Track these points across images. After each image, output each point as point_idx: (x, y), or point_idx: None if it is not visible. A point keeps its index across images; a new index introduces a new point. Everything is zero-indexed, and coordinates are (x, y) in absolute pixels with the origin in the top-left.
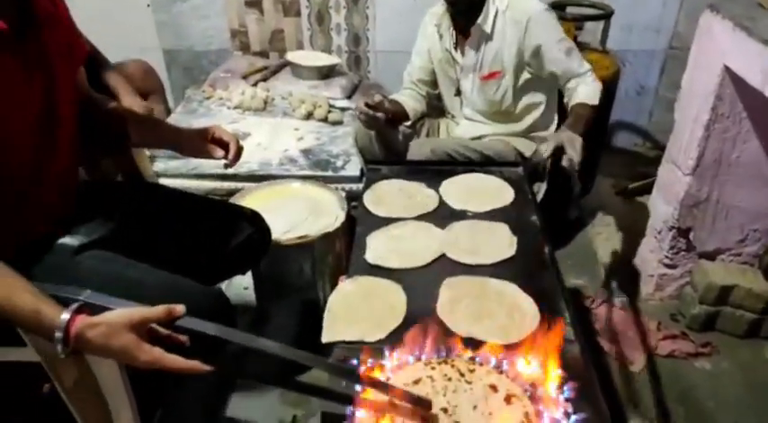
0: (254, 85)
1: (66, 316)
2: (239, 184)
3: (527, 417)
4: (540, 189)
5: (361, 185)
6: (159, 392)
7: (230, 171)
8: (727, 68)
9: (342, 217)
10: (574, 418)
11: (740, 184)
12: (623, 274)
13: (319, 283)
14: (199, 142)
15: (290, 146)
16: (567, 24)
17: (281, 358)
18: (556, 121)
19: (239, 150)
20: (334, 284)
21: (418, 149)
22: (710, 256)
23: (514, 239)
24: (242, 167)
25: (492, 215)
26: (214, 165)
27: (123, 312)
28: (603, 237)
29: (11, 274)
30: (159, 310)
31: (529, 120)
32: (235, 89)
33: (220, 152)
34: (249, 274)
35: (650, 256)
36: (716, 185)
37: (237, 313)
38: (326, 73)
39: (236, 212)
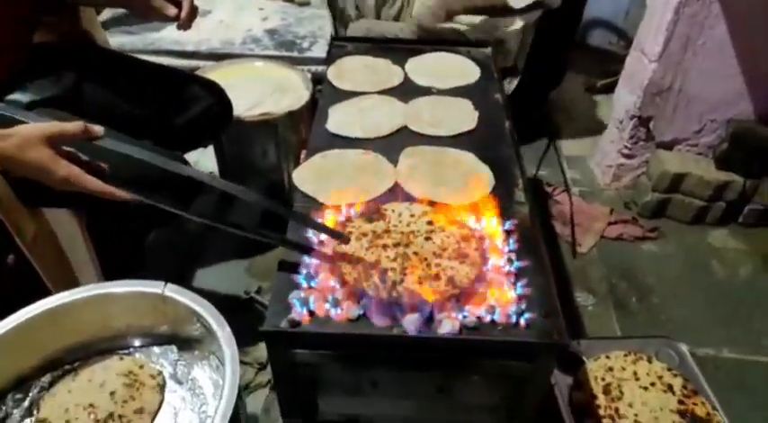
0: None
1: None
2: (199, 63)
3: (475, 263)
4: (512, 83)
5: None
6: (125, 256)
7: (190, 48)
8: None
9: (306, 96)
10: (516, 264)
11: (703, 72)
12: (584, 165)
13: (283, 166)
14: None
15: (254, 25)
16: None
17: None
18: None
19: (194, 10)
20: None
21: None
22: (668, 146)
23: (476, 114)
24: (202, 45)
25: (456, 92)
26: (171, 41)
27: (37, 125)
28: (568, 131)
29: None
30: (75, 125)
31: None
32: None
33: (173, 10)
34: (213, 158)
35: (610, 147)
36: (680, 73)
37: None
38: None
39: (196, 81)
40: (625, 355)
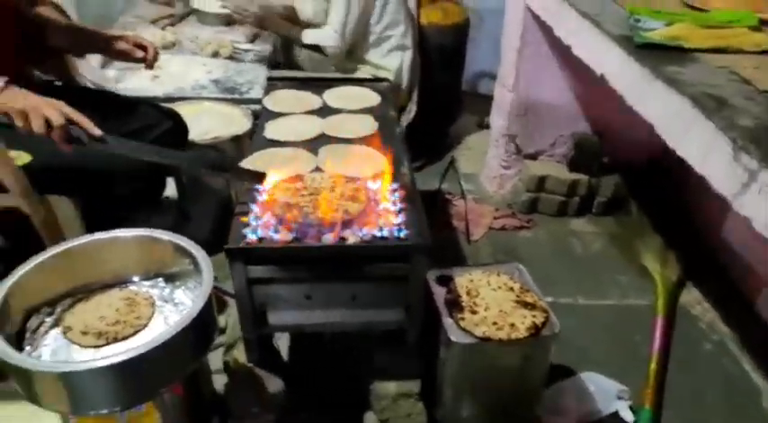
0: (163, 28)
1: None
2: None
3: (363, 202)
4: (411, 111)
5: None
6: None
7: (149, 94)
8: (527, 6)
9: (248, 125)
10: (399, 206)
11: (546, 99)
12: (477, 180)
13: (231, 186)
14: (123, 44)
15: (201, 77)
16: None
17: None
18: None
19: (156, 54)
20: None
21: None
22: (533, 157)
23: (376, 124)
24: (158, 92)
25: (361, 111)
26: (132, 87)
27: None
28: (465, 156)
29: None
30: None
31: None
32: (144, 32)
33: (140, 53)
34: (172, 181)
35: (493, 162)
36: (530, 100)
37: (161, 214)
38: (230, 20)
39: (159, 109)
40: (482, 273)
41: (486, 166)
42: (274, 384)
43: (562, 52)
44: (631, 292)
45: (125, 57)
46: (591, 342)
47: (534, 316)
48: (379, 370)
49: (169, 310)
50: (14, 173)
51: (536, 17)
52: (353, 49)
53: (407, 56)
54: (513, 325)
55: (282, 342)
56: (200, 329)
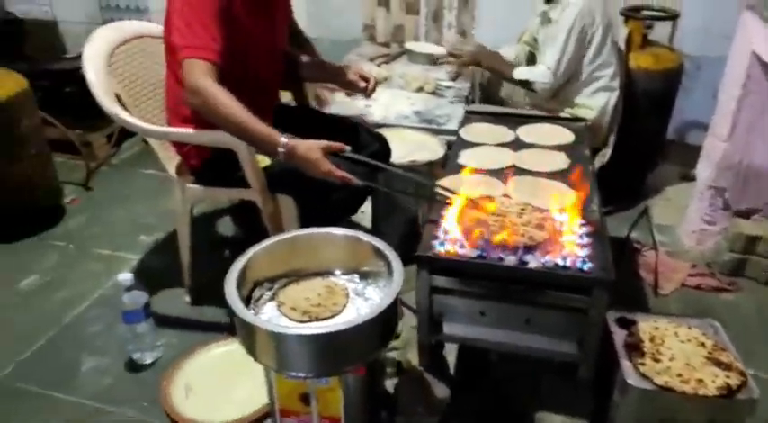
0: (379, 65)
1: (286, 139)
2: None
3: (549, 231)
4: (606, 154)
5: None
6: None
7: (359, 120)
8: (753, 52)
9: (441, 152)
10: (585, 239)
11: (767, 151)
12: (673, 232)
13: (419, 205)
14: (351, 75)
15: (405, 108)
16: (636, 23)
17: None
18: None
19: (376, 84)
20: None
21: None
22: (744, 215)
23: (568, 160)
24: (368, 117)
25: (554, 148)
26: (350, 113)
27: (316, 141)
28: (660, 206)
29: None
30: (337, 144)
31: None
32: (363, 67)
33: (363, 83)
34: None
35: (694, 215)
36: (746, 151)
37: (356, 226)
38: (436, 60)
39: (369, 132)
40: (669, 322)
41: (686, 220)
42: (441, 390)
43: None
44: None
45: (350, 86)
46: None
47: (728, 376)
48: (546, 400)
49: (360, 303)
50: (258, 173)
51: (763, 64)
52: (559, 90)
53: (613, 97)
54: (701, 381)
55: (450, 356)
56: (385, 322)
